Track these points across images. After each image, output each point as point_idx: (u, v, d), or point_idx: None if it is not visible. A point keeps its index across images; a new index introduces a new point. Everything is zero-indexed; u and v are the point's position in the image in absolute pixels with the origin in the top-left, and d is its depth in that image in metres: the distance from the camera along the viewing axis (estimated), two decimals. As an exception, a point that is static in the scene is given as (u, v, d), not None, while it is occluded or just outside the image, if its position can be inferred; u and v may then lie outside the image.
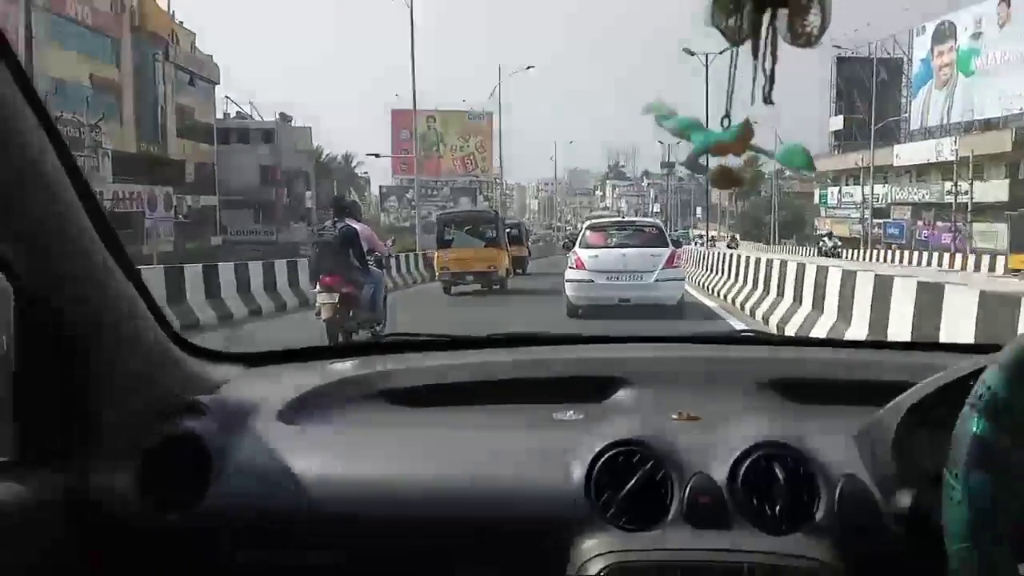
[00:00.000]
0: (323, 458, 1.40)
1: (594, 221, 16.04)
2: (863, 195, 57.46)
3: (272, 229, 51.21)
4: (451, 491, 1.34)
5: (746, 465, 1.28)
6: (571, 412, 1.57)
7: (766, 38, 0.95)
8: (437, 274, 20.75)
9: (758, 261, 14.29)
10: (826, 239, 51.68)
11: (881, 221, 58.08)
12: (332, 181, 70.09)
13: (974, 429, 0.94)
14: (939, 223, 51.34)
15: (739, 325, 11.89)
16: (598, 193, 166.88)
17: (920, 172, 56.94)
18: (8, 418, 1.27)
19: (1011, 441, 0.93)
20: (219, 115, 52.86)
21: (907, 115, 59.94)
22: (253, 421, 1.46)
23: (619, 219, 19.80)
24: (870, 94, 64.95)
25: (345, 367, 1.79)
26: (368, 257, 9.34)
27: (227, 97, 57.60)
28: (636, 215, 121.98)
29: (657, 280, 12.60)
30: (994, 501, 0.92)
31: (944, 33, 54.15)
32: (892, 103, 64.59)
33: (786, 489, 1.25)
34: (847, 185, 66.70)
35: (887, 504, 1.20)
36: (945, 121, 53.66)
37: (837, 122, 67.64)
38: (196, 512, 1.33)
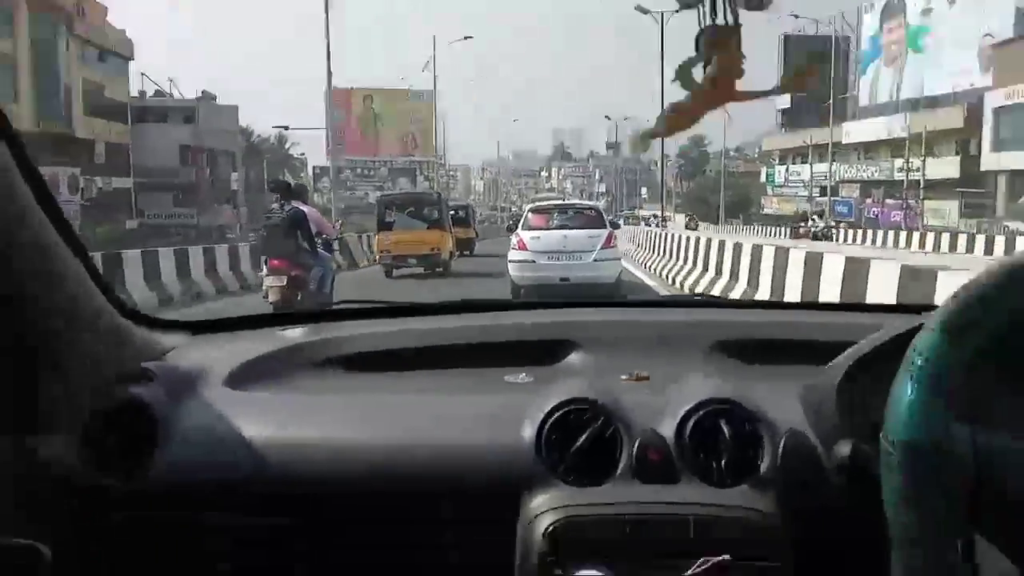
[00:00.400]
0: (272, 423, 1.37)
1: (536, 204, 16.31)
2: (811, 173, 56.16)
3: (192, 212, 47.96)
4: (402, 454, 1.33)
5: (693, 421, 1.30)
6: (523, 375, 1.58)
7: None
8: (377, 257, 20.07)
9: (737, 248, 12.77)
10: (816, 218, 49.59)
11: (828, 199, 56.95)
12: (263, 162, 66.94)
13: (908, 394, 0.94)
14: (888, 200, 50.26)
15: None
16: (543, 174, 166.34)
17: (868, 149, 55.82)
18: None
19: (944, 404, 0.93)
20: (135, 93, 49.20)
21: (855, 93, 58.70)
22: (200, 387, 1.44)
23: (560, 202, 19.58)
24: (819, 72, 63.68)
25: (294, 334, 1.74)
26: (316, 240, 9.15)
27: (143, 75, 53.19)
28: (582, 196, 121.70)
29: (595, 260, 12.93)
30: (932, 466, 0.92)
31: (893, 9, 52.88)
32: (839, 81, 63.58)
33: (731, 444, 1.27)
34: (794, 163, 65.54)
35: (828, 457, 1.22)
36: (894, 98, 52.47)
37: (784, 101, 66.31)
38: (144, 479, 1.32)
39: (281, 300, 8.63)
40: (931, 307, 1.02)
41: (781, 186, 66.23)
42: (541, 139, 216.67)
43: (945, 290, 5.57)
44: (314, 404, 1.46)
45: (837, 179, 56.85)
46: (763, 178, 68.92)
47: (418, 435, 1.35)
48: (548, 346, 1.68)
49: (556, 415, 1.31)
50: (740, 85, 1.10)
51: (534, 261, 12.95)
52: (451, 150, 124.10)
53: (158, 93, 52.07)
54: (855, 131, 55.40)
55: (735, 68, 1.03)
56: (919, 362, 0.94)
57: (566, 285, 12.67)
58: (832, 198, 56.04)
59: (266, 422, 1.37)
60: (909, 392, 0.93)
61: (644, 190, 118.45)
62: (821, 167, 57.29)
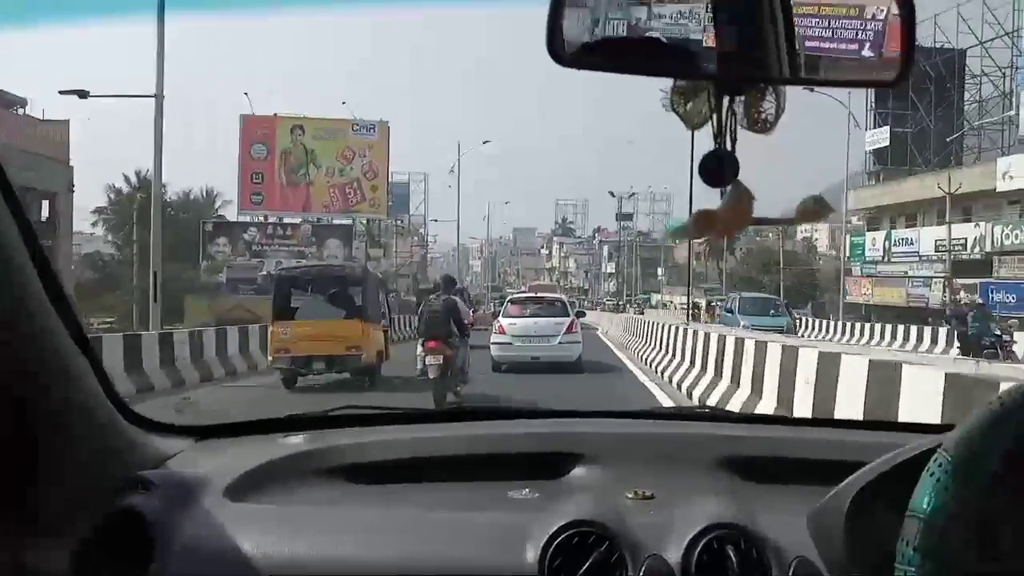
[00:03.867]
0: (272, 537, 1.36)
1: (513, 295, 21.85)
2: (951, 240, 35.71)
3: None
4: (402, 573, 1.33)
5: (699, 547, 1.28)
6: (527, 490, 1.57)
7: (724, 123, 1.01)
8: (271, 358, 14.66)
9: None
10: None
11: (974, 282, 36.31)
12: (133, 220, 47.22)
13: (925, 509, 0.96)
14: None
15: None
16: (544, 252, 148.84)
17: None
18: None
19: (960, 525, 0.95)
20: None
21: (1012, 113, 38.84)
22: (200, 498, 1.42)
23: (532, 294, 22.15)
24: (929, 94, 44.30)
25: (297, 441, 1.73)
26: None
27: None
28: (587, 276, 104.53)
29: (560, 342, 16.67)
30: None
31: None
32: (947, 109, 44.15)
33: (738, 573, 1.26)
34: (896, 228, 45.39)
35: None
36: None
37: (879, 137, 46.73)
38: None
39: (439, 376, 10.65)
40: (949, 427, 1.01)
41: (877, 262, 45.78)
42: (543, 214, 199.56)
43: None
44: (314, 517, 1.44)
45: (986, 248, 36.57)
46: (846, 251, 48.40)
47: (420, 554, 1.33)
48: (552, 459, 1.66)
49: (560, 538, 1.29)
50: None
51: (511, 343, 16.69)
52: (445, 228, 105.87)
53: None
54: (1021, 169, 34.98)
55: (748, 200, 1.07)
56: (938, 477, 0.94)
57: (536, 363, 16.17)
58: (983, 280, 35.69)
59: (266, 536, 1.35)
60: (926, 507, 0.95)
61: (660, 271, 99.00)
62: (940, 231, 37.40)
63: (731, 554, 1.25)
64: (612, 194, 71.06)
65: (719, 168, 1.01)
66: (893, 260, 44.03)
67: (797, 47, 1.03)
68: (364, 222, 54.80)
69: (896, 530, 0.96)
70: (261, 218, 51.94)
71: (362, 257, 52.25)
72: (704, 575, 1.25)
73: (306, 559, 1.32)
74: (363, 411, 1.96)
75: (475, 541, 1.35)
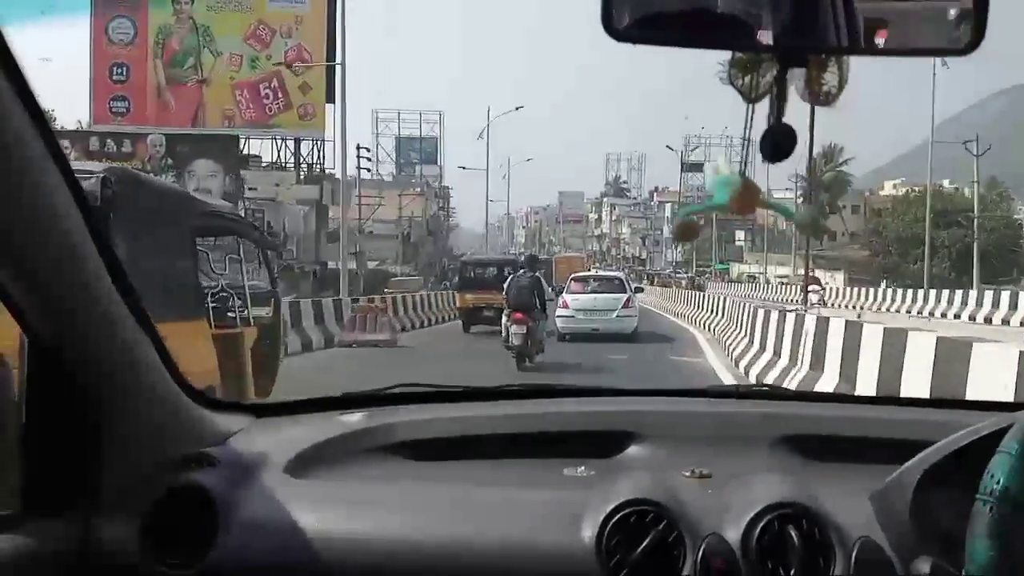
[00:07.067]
0: (330, 513, 1.42)
1: (575, 274, 22.91)
2: None
3: None
4: (459, 549, 1.35)
5: (760, 527, 1.28)
6: (582, 468, 1.58)
7: (784, 96, 1.01)
8: None
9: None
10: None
11: None
12: None
13: (996, 490, 0.97)
14: None
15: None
16: (592, 216, 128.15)
17: None
18: (14, 469, 1.31)
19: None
20: None
21: None
22: (261, 474, 1.47)
23: (593, 273, 25.03)
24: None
25: (354, 419, 1.76)
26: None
27: None
28: (644, 243, 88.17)
29: (617, 316, 18.95)
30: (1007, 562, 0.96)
31: None
32: None
33: (801, 553, 1.25)
34: None
35: (904, 569, 1.21)
36: None
37: None
38: (201, 566, 1.33)
39: (521, 344, 12.68)
40: (1019, 405, 1.18)
41: None
42: (593, 177, 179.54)
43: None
44: (372, 494, 1.49)
45: None
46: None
47: (476, 530, 1.35)
48: (609, 437, 1.66)
49: (617, 516, 1.30)
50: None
51: (574, 316, 18.80)
52: (462, 186, 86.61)
53: None
54: None
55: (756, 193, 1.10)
56: (1010, 458, 0.93)
57: (596, 334, 18.17)
58: None
59: (325, 512, 1.40)
60: (996, 486, 0.95)
61: (740, 235, 77.99)
62: None
63: (792, 534, 1.23)
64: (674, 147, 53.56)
65: (778, 143, 0.99)
66: None
67: (858, 15, 0.99)
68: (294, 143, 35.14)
69: (965, 511, 0.97)
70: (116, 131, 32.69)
71: (285, 198, 32.78)
72: (765, 555, 1.23)
73: (364, 535, 1.35)
74: (419, 389, 1.94)
75: (531, 518, 1.35)
